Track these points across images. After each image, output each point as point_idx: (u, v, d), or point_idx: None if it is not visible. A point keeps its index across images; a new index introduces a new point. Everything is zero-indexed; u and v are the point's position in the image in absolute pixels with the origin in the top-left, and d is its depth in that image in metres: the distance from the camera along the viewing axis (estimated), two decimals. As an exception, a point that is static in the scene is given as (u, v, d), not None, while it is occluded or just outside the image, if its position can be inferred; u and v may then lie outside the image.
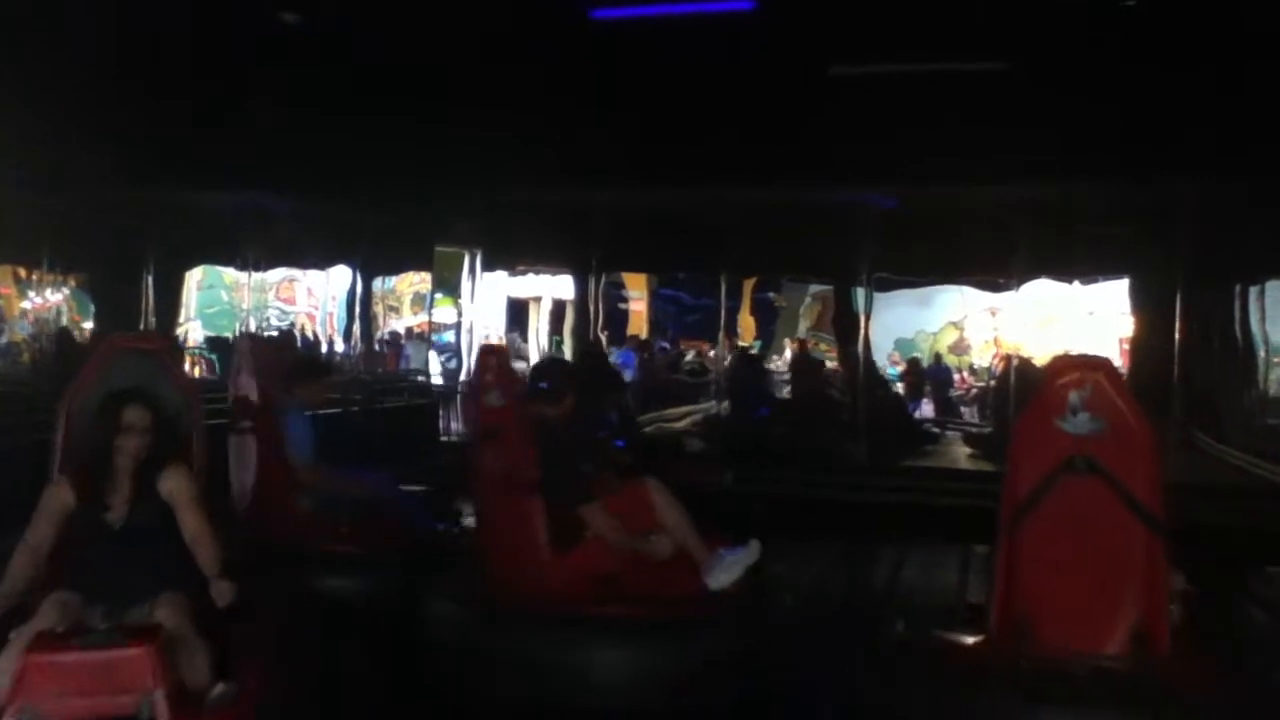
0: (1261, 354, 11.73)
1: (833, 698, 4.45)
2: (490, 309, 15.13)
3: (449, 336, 15.41)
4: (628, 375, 13.25)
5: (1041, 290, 14.82)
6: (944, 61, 8.65)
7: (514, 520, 4.59)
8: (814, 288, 20.16)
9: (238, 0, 8.28)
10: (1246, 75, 8.20)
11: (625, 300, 19.63)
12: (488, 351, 5.11)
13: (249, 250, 13.22)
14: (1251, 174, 9.48)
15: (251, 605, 3.66)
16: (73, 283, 14.97)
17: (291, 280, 18.86)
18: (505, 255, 14.40)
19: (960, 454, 12.00)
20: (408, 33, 8.49)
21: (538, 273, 17.02)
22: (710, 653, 4.25)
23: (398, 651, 4.76)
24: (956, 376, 18.11)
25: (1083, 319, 17.42)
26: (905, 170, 9.91)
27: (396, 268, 16.43)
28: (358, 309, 14.62)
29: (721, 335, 13.88)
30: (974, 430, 13.86)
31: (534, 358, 17.57)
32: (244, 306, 14.44)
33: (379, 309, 16.94)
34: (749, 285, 19.35)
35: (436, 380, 15.25)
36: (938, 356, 18.56)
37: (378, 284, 15.88)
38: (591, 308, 13.90)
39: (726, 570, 4.53)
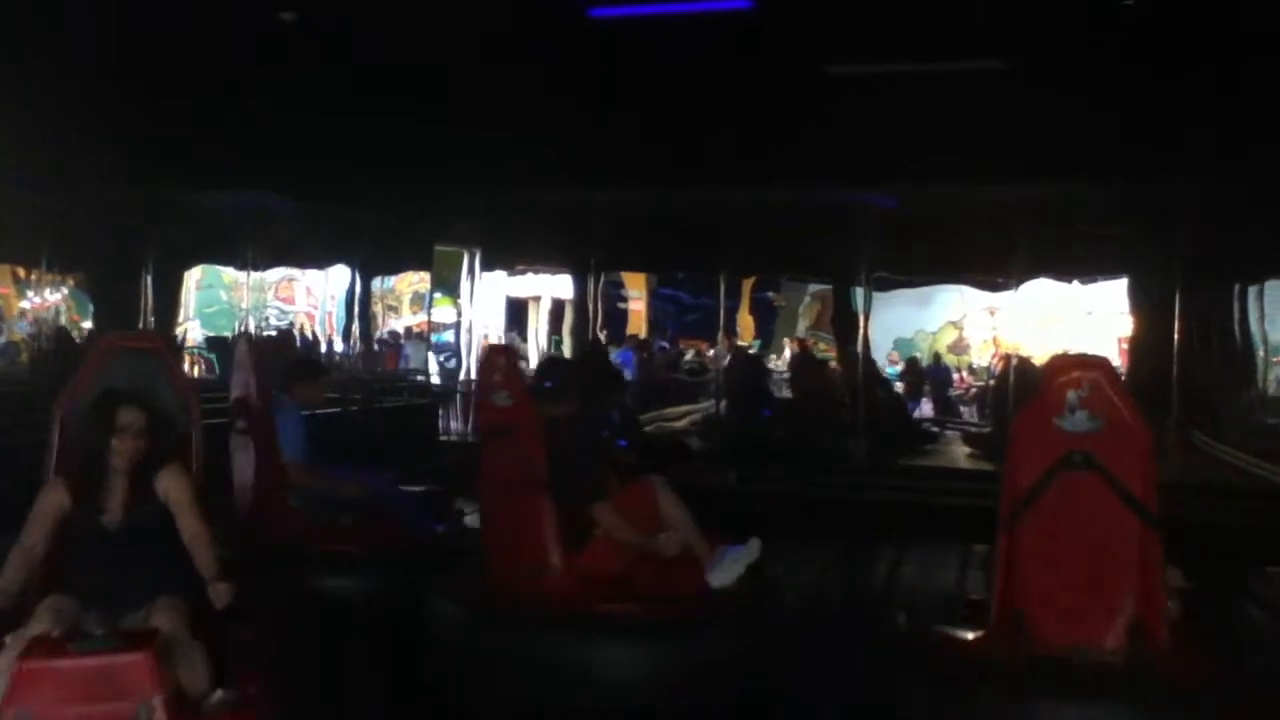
0: (1260, 353, 11.75)
1: (833, 697, 4.46)
2: (489, 308, 15.11)
3: (448, 336, 15.41)
4: (627, 374, 13.25)
5: (1041, 290, 14.86)
6: (944, 61, 8.65)
7: (523, 520, 4.58)
8: (813, 287, 20.19)
9: (238, 0, 8.27)
10: (1246, 75, 8.20)
11: (624, 300, 19.66)
12: (496, 351, 5.13)
13: (248, 250, 13.21)
14: (1251, 174, 9.48)
15: (251, 607, 3.63)
16: (71, 282, 14.99)
17: (290, 280, 18.88)
18: (505, 255, 14.39)
19: (959, 453, 12.01)
20: (408, 33, 8.48)
21: (537, 272, 17.02)
22: (711, 652, 4.25)
23: (398, 652, 4.76)
24: (956, 376, 18.14)
25: (1082, 319, 17.44)
26: (905, 170, 9.91)
27: (396, 267, 16.43)
28: (357, 308, 14.61)
29: (720, 334, 13.89)
30: (973, 430, 13.87)
31: (533, 357, 17.59)
32: (243, 306, 14.44)
33: (378, 308, 16.96)
34: (748, 284, 19.38)
35: (435, 380, 15.25)
36: (937, 356, 18.59)
37: (377, 283, 15.89)
38: (591, 307, 13.91)
39: (728, 568, 4.55)
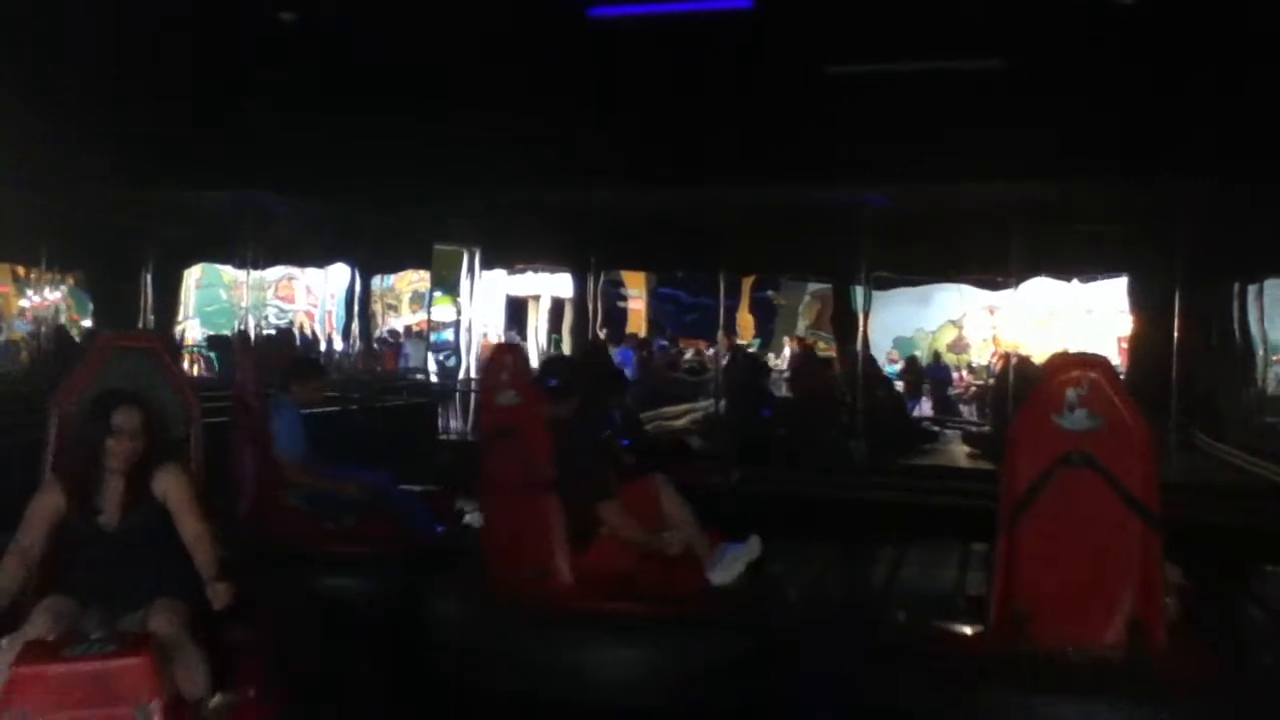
0: (1260, 353, 11.76)
1: (833, 698, 4.46)
2: (489, 307, 15.12)
3: (448, 335, 15.42)
4: (626, 374, 13.25)
5: (1040, 289, 14.87)
6: (944, 61, 8.65)
7: (527, 522, 4.57)
8: (813, 286, 20.21)
9: (238, 0, 8.27)
10: (1248, 76, 8.20)
11: (624, 299, 19.67)
12: (504, 350, 5.08)
13: (248, 249, 13.22)
14: (1252, 174, 9.48)
15: (251, 608, 3.60)
16: (71, 281, 15.00)
17: (290, 278, 18.88)
18: (504, 254, 14.39)
19: (959, 452, 12.01)
20: (407, 33, 8.48)
21: (536, 271, 17.02)
22: (712, 651, 4.25)
23: (399, 652, 4.76)
24: (955, 375, 18.15)
25: (1081, 317, 17.46)
26: (905, 170, 9.91)
27: (395, 266, 16.42)
28: (356, 307, 14.60)
29: (720, 334, 13.90)
30: (973, 429, 13.88)
31: (533, 356, 17.59)
32: (242, 305, 14.44)
33: (378, 307, 16.97)
34: (747, 284, 19.41)
35: (435, 379, 15.25)
36: (936, 355, 18.60)
37: (376, 282, 15.89)
38: (590, 306, 13.91)
39: (729, 565, 4.56)
